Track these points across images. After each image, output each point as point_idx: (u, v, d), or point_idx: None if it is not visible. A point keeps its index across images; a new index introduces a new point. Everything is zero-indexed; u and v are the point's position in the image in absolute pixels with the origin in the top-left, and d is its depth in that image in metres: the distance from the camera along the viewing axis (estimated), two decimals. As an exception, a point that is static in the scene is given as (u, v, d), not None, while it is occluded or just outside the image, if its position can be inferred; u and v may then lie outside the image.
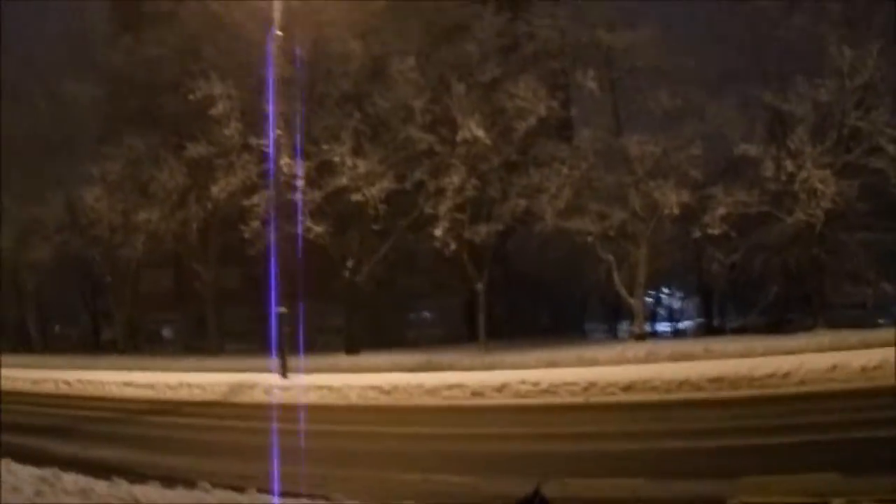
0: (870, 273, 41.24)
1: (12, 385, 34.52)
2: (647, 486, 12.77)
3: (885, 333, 32.12)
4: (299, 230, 41.31)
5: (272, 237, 38.44)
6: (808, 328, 39.14)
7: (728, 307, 57.05)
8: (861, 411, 18.33)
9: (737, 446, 15.68)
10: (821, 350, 29.87)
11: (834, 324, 38.38)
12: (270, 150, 38.21)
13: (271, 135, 37.90)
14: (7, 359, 43.25)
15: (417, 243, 46.55)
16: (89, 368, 39.69)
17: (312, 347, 42.75)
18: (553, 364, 33.86)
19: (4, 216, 54.20)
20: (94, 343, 61.50)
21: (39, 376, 37.45)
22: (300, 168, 41.35)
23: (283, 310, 35.37)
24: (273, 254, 36.82)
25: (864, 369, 24.24)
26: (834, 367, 25.19)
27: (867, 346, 28.67)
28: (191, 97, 43.60)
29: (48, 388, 35.07)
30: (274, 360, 35.04)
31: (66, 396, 32.12)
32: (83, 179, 51.04)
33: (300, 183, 41.26)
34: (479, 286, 44.04)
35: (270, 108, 37.95)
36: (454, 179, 41.70)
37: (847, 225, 41.41)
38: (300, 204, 41.26)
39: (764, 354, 30.79)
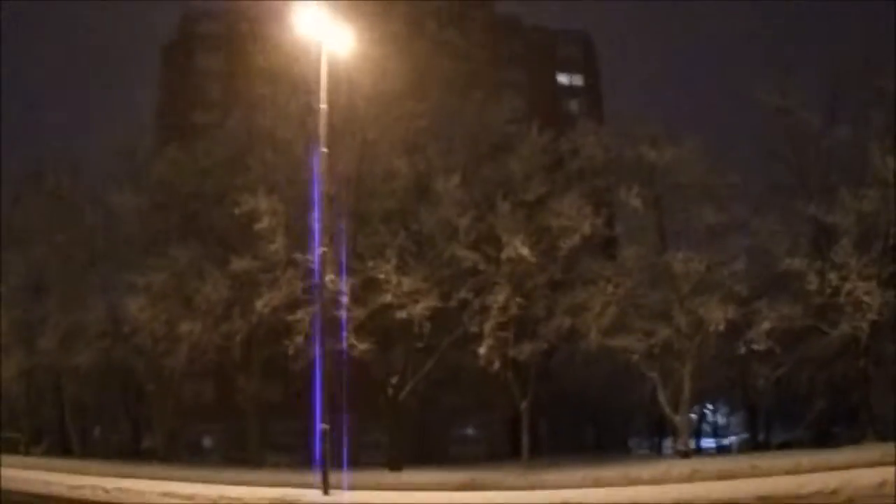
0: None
1: (48, 489, 34.32)
2: None
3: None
4: (344, 346, 41.17)
5: (316, 352, 38.39)
6: (855, 441, 38.66)
7: (774, 422, 56.49)
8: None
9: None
10: (869, 464, 29.32)
11: (882, 436, 37.88)
12: (315, 265, 38.28)
13: (316, 251, 38.01)
14: (45, 462, 43.33)
15: (461, 360, 46.33)
16: (128, 476, 39.35)
17: (355, 463, 42.49)
18: (597, 483, 33.53)
19: (49, 320, 54.54)
20: (133, 450, 61.43)
21: (77, 482, 37.18)
22: (344, 284, 41.36)
23: (325, 426, 35.19)
24: (317, 368, 36.73)
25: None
26: (883, 483, 24.73)
27: None
28: (236, 211, 43.93)
29: (85, 493, 34.81)
30: (316, 476, 34.84)
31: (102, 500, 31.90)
32: (127, 288, 51.35)
33: (345, 299, 41.29)
34: (523, 404, 43.84)
35: (316, 224, 38.08)
36: (498, 298, 41.77)
37: (893, 335, 41.09)
38: (344, 321, 41.19)
39: (811, 470, 30.22)
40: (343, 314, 41.30)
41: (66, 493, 34.92)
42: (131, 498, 33.36)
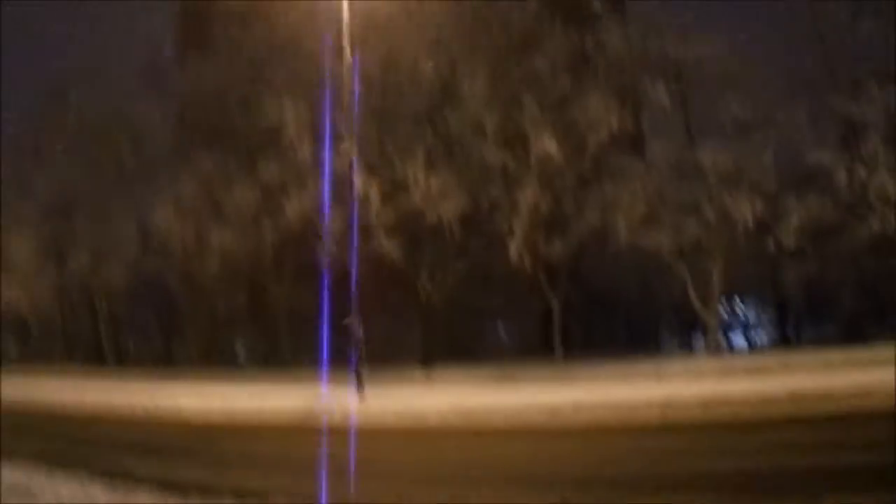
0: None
1: (83, 399, 34.56)
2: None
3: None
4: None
5: (350, 254, 38.55)
6: (885, 339, 38.40)
7: (803, 319, 56.35)
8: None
9: (816, 466, 15.36)
10: (902, 362, 29.34)
11: (913, 334, 37.63)
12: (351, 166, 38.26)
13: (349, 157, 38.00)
14: (81, 374, 43.71)
15: (492, 261, 46.49)
16: (162, 385, 39.77)
17: (388, 361, 42.89)
18: (628, 378, 33.55)
19: (79, 237, 54.90)
20: (167, 360, 61.83)
21: (112, 393, 37.49)
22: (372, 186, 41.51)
23: (357, 328, 35.46)
24: (351, 268, 36.98)
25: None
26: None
27: None
28: (262, 120, 43.94)
29: (121, 405, 34.96)
30: (349, 375, 35.12)
31: (139, 415, 32.13)
32: (156, 201, 51.55)
33: (374, 201, 41.45)
34: (554, 302, 43.95)
35: (341, 128, 38.14)
36: (527, 196, 41.69)
37: (924, 235, 40.61)
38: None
39: (843, 366, 30.29)
40: (371, 215, 41.68)
41: (102, 406, 35.06)
42: (169, 409, 33.58)
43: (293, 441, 25.10)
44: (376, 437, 25.59)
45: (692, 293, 43.11)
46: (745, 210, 40.00)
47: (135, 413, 32.24)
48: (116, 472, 15.91)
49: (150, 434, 26.08)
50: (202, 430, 27.30)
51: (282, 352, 53.38)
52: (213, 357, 55.95)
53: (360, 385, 33.89)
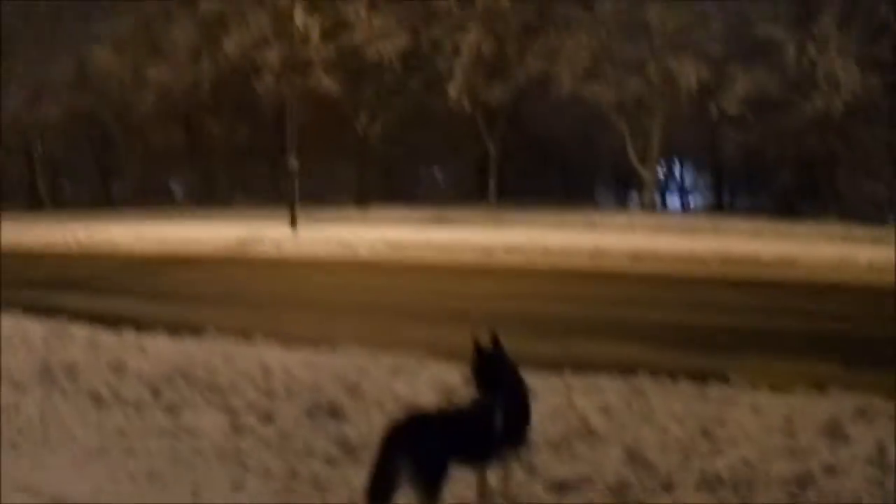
0: (885, 170, 40.86)
1: (19, 240, 34.15)
2: (650, 353, 12.62)
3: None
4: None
5: (285, 92, 38.20)
6: (817, 217, 38.78)
7: (739, 188, 56.74)
8: (866, 307, 18.06)
9: (740, 326, 15.50)
10: (830, 240, 29.78)
11: (844, 216, 38.10)
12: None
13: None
14: (17, 217, 43.18)
15: (431, 102, 46.09)
16: (99, 224, 39.37)
17: (324, 201, 42.85)
18: (562, 227, 33.90)
19: (14, 77, 53.51)
20: (104, 200, 61.05)
21: (47, 233, 37.13)
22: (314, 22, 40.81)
23: (293, 163, 35.38)
24: (289, 105, 36.73)
25: (871, 265, 24.26)
26: (841, 259, 25.07)
27: (876, 241, 28.82)
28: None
29: (56, 243, 34.67)
30: (283, 212, 35.12)
31: (75, 250, 31.87)
32: (94, 39, 50.32)
33: (315, 37, 40.81)
34: (491, 147, 43.82)
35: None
36: (470, 38, 41.19)
37: (867, 119, 40.89)
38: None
39: (772, 237, 30.69)
40: (311, 52, 41.02)
41: (38, 243, 34.68)
42: (103, 244, 33.37)
43: (226, 274, 25.07)
44: (307, 269, 25.70)
45: (631, 150, 43.21)
46: (690, 73, 39.97)
47: (70, 249, 32.00)
48: (52, 307, 15.74)
49: (86, 270, 25.79)
50: (137, 264, 27.12)
51: (218, 189, 52.98)
52: (150, 195, 55.46)
53: (293, 220, 33.95)
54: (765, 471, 7.20)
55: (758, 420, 8.73)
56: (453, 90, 41.85)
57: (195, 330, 13.33)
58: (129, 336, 12.84)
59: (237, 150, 53.77)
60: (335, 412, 8.90)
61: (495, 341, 6.69)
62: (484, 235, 30.47)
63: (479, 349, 6.62)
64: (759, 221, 36.56)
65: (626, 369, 10.61)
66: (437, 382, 10.04)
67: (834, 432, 8.15)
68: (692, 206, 58.85)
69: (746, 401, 9.48)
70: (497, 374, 6.62)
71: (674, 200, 58.97)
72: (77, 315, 14.61)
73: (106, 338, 12.65)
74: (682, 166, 60.54)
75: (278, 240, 31.61)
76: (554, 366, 10.53)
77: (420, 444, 5.94)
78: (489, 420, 6.29)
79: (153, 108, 51.02)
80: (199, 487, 7.18)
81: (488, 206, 43.47)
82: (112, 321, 14.01)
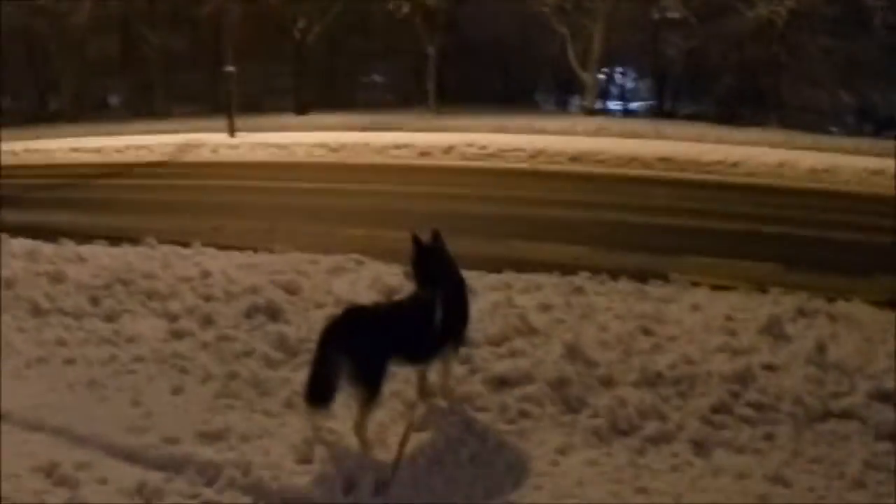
0: (828, 79, 40.94)
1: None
2: (590, 253, 12.63)
3: (836, 140, 32.95)
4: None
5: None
6: (759, 124, 38.89)
7: (681, 93, 56.66)
8: (806, 210, 18.22)
9: (681, 226, 15.61)
10: (771, 146, 29.97)
11: (786, 124, 38.42)
12: None
13: None
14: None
15: (370, 5, 45.56)
16: (36, 138, 38.68)
17: (262, 109, 42.48)
18: (502, 130, 33.63)
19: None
20: (41, 114, 59.82)
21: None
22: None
23: (230, 69, 35.12)
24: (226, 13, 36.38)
25: (812, 170, 24.59)
26: (782, 164, 25.26)
27: (818, 149, 29.23)
28: None
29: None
30: (221, 121, 34.84)
31: (12, 166, 31.24)
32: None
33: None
34: (430, 50, 43.42)
35: None
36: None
37: (811, 28, 40.66)
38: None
39: (714, 142, 30.81)
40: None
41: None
42: (41, 157, 32.90)
43: (164, 182, 24.82)
44: (246, 173, 25.57)
45: (571, 53, 42.88)
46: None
47: (6, 163, 31.41)
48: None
49: (23, 183, 25.31)
50: (75, 176, 26.58)
51: (156, 99, 52.30)
52: (87, 108, 54.54)
53: (231, 127, 33.75)
54: (705, 368, 7.22)
55: (698, 318, 8.78)
56: (391, -8, 41.15)
57: (134, 239, 13.27)
58: (68, 246, 12.71)
59: (175, 60, 52.89)
60: (274, 313, 8.93)
61: (435, 236, 6.64)
62: (423, 138, 30.31)
63: (418, 243, 6.56)
64: (701, 127, 36.37)
65: (567, 268, 10.59)
66: (377, 282, 10.04)
67: (774, 331, 8.20)
68: (634, 110, 58.74)
69: (687, 299, 9.54)
70: (436, 269, 6.59)
71: (616, 105, 58.78)
72: (15, 229, 14.31)
73: (44, 249, 12.51)
74: (623, 71, 60.37)
75: (216, 146, 31.38)
76: (494, 264, 10.50)
77: (359, 341, 5.88)
78: (429, 316, 6.23)
79: (89, 18, 50.05)
80: (139, 394, 7.20)
81: (428, 110, 42.95)
82: (51, 233, 13.80)
